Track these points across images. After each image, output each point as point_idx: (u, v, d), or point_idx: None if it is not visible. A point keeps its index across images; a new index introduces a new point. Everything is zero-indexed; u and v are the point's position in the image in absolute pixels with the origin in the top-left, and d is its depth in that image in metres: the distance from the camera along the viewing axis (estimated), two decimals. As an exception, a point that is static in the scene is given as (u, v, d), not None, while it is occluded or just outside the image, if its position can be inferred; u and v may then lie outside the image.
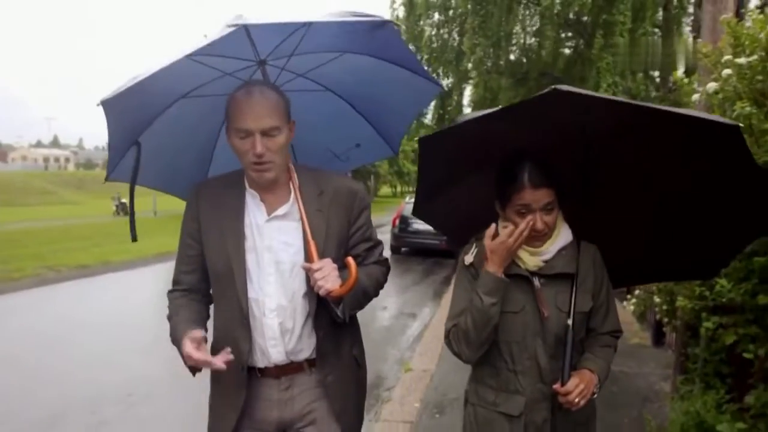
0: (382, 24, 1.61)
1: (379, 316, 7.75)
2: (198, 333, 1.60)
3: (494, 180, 1.71)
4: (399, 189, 58.14)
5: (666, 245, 1.93)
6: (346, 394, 1.78)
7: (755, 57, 2.47)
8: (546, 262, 1.69)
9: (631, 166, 1.77)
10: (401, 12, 16.35)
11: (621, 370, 4.91)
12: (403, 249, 14.22)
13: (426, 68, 13.48)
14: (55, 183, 49.08)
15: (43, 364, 5.55)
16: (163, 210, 23.21)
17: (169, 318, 1.74)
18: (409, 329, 7.10)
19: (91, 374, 5.18)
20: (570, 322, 1.64)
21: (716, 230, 1.80)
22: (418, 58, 15.29)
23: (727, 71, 2.51)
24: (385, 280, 1.89)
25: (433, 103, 16.19)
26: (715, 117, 1.47)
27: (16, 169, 79.44)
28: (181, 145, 2.05)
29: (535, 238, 1.67)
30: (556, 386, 1.59)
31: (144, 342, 6.03)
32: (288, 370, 1.72)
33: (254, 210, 1.71)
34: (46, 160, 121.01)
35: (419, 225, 13.32)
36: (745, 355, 2.63)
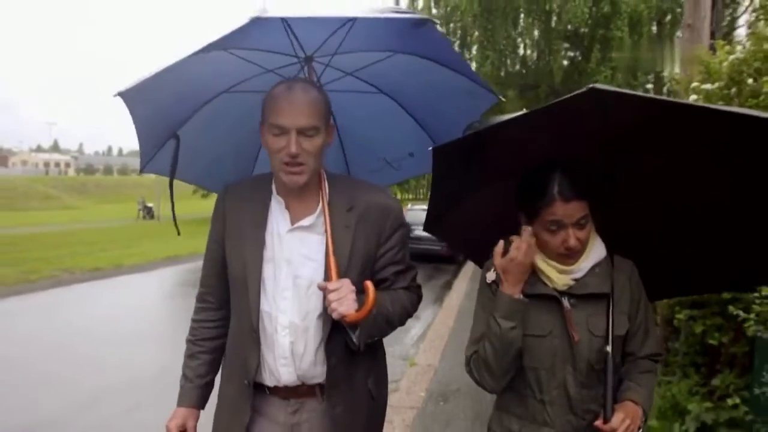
0: (423, 22, 1.50)
1: (384, 316, 8.12)
2: (184, 420, 1.68)
3: (517, 190, 1.56)
4: (399, 196, 58.59)
5: (706, 255, 1.75)
6: (356, 427, 1.64)
7: (717, 84, 2.89)
8: (577, 280, 1.53)
9: (667, 172, 1.60)
10: (404, 24, 16.85)
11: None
12: (404, 254, 14.60)
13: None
14: (57, 188, 49.47)
15: (78, 353, 5.99)
16: (167, 216, 23.57)
17: (186, 354, 1.77)
18: (413, 329, 7.48)
19: (123, 364, 5.58)
20: (609, 348, 1.48)
21: (759, 238, 1.62)
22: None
23: (693, 97, 2.92)
24: (414, 309, 1.73)
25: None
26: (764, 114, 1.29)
27: (17, 173, 79.79)
28: (223, 141, 1.97)
29: (569, 255, 1.51)
30: (599, 423, 1.43)
31: (162, 336, 6.42)
32: (298, 393, 1.61)
33: (278, 217, 1.61)
34: (46, 164, 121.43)
35: (421, 231, 13.64)
36: (711, 341, 3.03)
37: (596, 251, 1.56)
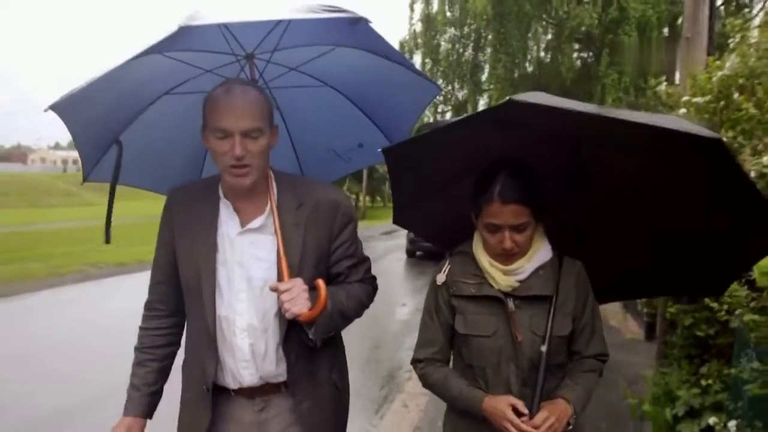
0: (357, 20, 1.47)
1: (399, 311, 8.47)
2: (128, 430, 1.64)
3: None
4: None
5: (659, 259, 1.80)
6: (324, 421, 1.67)
7: (704, 99, 3.17)
8: (521, 282, 1.58)
9: (621, 175, 1.63)
10: (419, 27, 17.16)
11: (614, 360, 5.57)
12: (417, 253, 14.85)
13: (442, 80, 14.00)
14: (77, 185, 50.13)
15: (103, 345, 6.32)
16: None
17: (133, 362, 1.72)
18: (425, 323, 7.80)
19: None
20: (544, 348, 1.52)
21: (713, 245, 1.66)
22: (436, 71, 16.16)
23: (682, 110, 3.20)
24: (370, 300, 1.75)
25: (448, 114, 17.00)
26: (696, 129, 1.30)
27: (36, 170, 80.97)
28: (169, 143, 1.96)
29: (506, 256, 1.57)
30: (524, 420, 1.46)
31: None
32: (263, 391, 1.62)
33: (227, 220, 1.61)
34: (64, 162, 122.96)
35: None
36: (698, 333, 3.32)
37: (540, 254, 1.61)
